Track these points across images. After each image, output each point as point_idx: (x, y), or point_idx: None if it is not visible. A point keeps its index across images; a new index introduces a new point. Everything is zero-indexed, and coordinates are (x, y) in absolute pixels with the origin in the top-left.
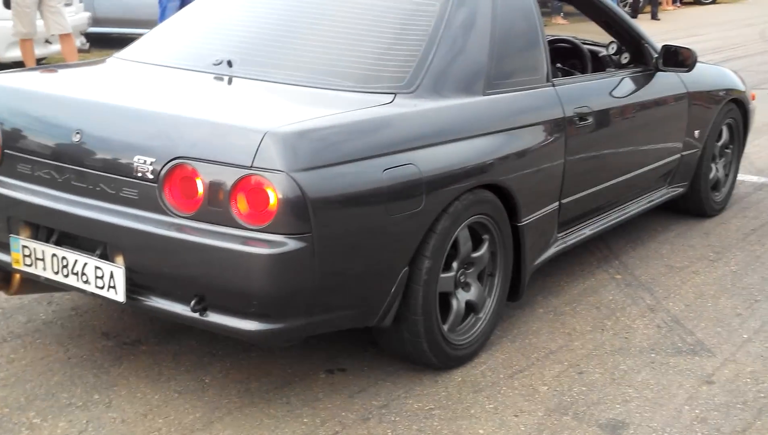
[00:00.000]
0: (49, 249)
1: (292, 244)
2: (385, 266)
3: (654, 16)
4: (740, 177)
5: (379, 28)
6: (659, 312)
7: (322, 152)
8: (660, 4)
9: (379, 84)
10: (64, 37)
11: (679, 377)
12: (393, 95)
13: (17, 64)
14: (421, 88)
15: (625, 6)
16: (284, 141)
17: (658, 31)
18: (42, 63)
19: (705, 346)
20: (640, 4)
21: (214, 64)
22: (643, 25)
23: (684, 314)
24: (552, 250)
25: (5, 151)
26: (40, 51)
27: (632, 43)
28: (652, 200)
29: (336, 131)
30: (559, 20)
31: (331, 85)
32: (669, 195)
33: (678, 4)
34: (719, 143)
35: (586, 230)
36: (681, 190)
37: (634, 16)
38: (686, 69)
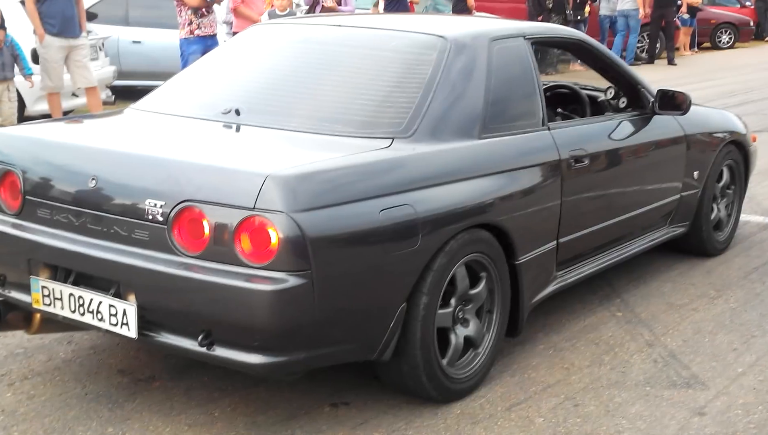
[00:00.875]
0: (66, 289)
1: (292, 281)
2: (384, 302)
3: (670, 61)
4: (746, 217)
5: (379, 77)
6: (657, 347)
7: (321, 194)
8: (678, 49)
9: (378, 129)
10: (90, 90)
11: (672, 409)
12: (391, 140)
13: (45, 117)
14: (418, 133)
15: (642, 52)
16: (285, 183)
17: (674, 76)
18: (68, 115)
19: (699, 380)
20: (657, 51)
21: (223, 113)
22: (659, 70)
23: (681, 350)
24: (551, 288)
25: (26, 197)
26: (66, 104)
27: (629, 88)
28: (653, 240)
29: (334, 174)
30: (577, 66)
31: (332, 131)
32: (670, 234)
33: (695, 49)
34: (720, 184)
35: (586, 269)
36: (682, 229)
37: (650, 62)
38: (681, 112)
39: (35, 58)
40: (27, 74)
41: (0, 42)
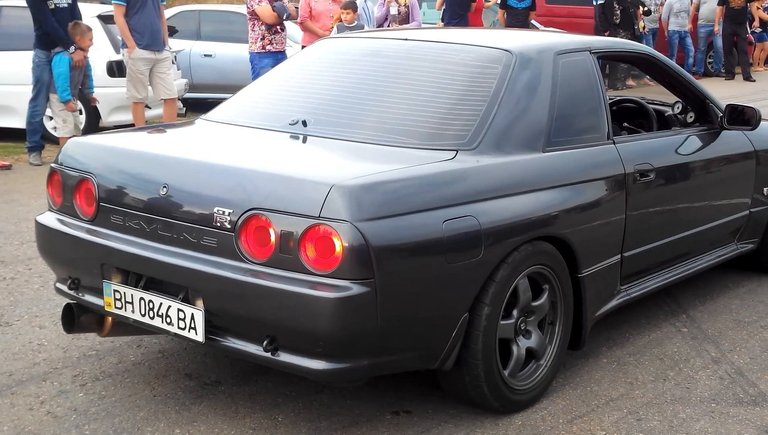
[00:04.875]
0: (137, 293)
1: (356, 289)
2: (446, 312)
3: (747, 77)
4: None
5: (444, 90)
6: (723, 364)
7: (385, 204)
8: (752, 65)
9: (443, 141)
10: (169, 101)
11: (738, 426)
12: (455, 152)
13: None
14: (482, 145)
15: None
16: (350, 193)
17: (748, 92)
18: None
19: (767, 398)
20: (733, 66)
21: (290, 124)
22: (733, 85)
23: (748, 367)
24: (615, 302)
25: (101, 204)
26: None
27: (697, 103)
28: (721, 256)
29: (398, 185)
30: (647, 81)
31: (397, 142)
32: (738, 251)
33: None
34: None
35: (651, 284)
36: (751, 246)
37: (731, 78)
38: (750, 127)
39: (110, 71)
40: (89, 92)
41: (81, 61)
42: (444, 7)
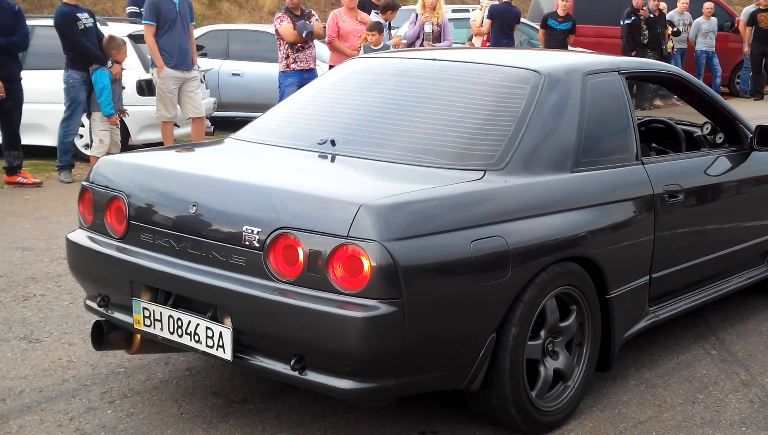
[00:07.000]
0: (166, 311)
1: (384, 309)
2: (473, 332)
3: None
4: None
5: (473, 110)
6: (753, 387)
7: (413, 224)
8: None
9: (471, 161)
10: (197, 120)
11: None
12: (483, 172)
13: (148, 147)
14: (510, 166)
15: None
16: (378, 213)
17: None
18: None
19: None
20: (761, 87)
21: (319, 144)
22: (762, 106)
23: None
24: (643, 323)
25: (131, 222)
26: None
27: (726, 124)
28: (751, 278)
29: (426, 205)
30: (674, 102)
31: (425, 162)
32: None
33: None
34: None
35: (680, 305)
36: None
37: (759, 98)
38: None
39: (140, 90)
40: (120, 104)
41: (119, 74)
42: (491, 28)
